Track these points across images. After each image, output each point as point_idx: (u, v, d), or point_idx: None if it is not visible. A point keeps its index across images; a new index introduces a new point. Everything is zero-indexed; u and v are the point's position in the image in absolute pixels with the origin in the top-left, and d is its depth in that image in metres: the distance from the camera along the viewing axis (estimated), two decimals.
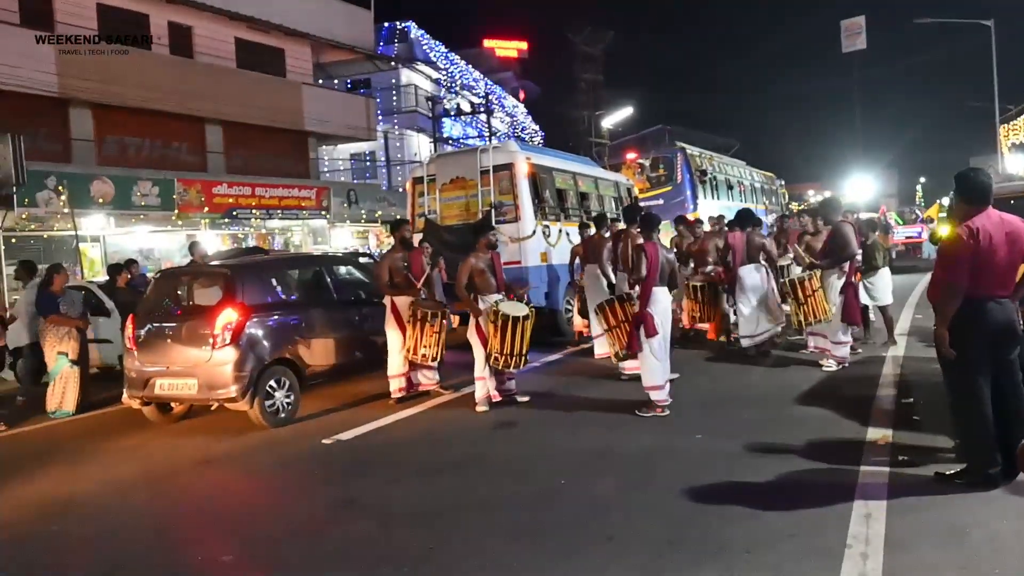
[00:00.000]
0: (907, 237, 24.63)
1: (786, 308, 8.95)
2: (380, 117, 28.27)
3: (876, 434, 5.50)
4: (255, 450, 6.40)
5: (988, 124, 27.45)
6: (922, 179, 65.96)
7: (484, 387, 7.09)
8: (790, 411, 6.45)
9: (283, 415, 7.14)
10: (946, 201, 32.90)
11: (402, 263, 7.69)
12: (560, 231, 11.52)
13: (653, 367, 6.49)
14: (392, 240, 8.16)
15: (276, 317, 7.30)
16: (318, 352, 7.59)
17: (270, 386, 7.07)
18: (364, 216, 23.31)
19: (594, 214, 13.18)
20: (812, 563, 3.55)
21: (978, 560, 3.48)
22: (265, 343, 7.08)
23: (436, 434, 6.49)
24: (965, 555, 3.54)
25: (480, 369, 7.07)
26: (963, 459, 4.49)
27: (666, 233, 10.78)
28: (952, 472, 4.47)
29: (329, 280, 8.21)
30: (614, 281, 8.82)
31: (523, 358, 7.00)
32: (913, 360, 8.18)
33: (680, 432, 5.96)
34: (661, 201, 18.45)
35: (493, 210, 10.90)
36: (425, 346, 7.47)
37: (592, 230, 9.94)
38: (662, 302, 6.56)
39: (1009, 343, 4.32)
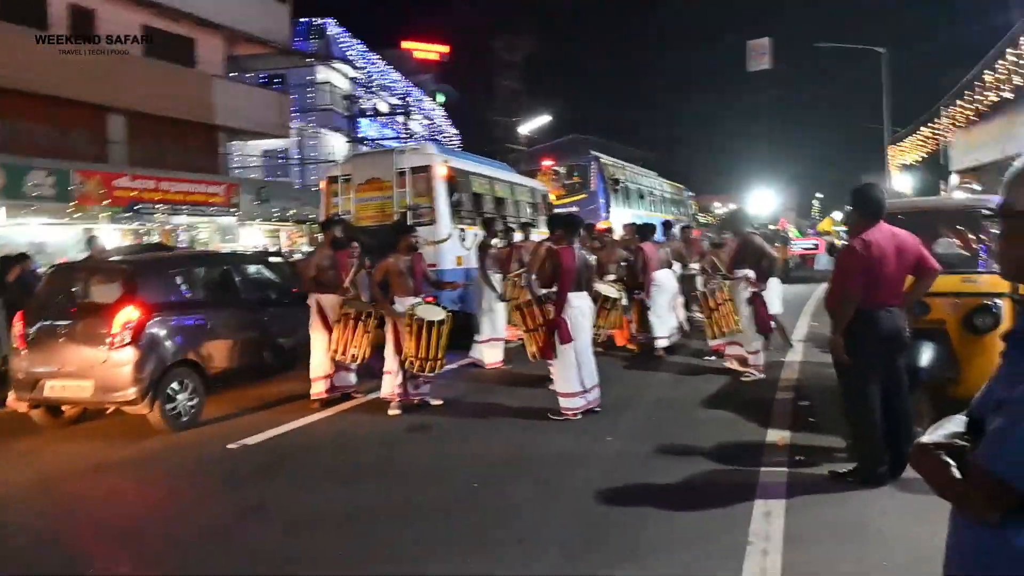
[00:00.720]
0: (804, 249, 25.84)
1: (697, 316, 9.27)
2: (295, 114, 27.59)
3: (775, 435, 5.72)
4: (155, 455, 6.12)
5: (878, 145, 29.19)
6: (818, 194, 69.60)
7: (390, 383, 7.01)
8: (696, 414, 6.64)
9: (185, 419, 6.85)
10: (839, 215, 34.75)
11: (328, 262, 7.50)
12: (475, 235, 11.52)
13: (567, 374, 6.53)
14: (319, 239, 7.99)
15: (179, 316, 7.02)
16: (224, 354, 7.32)
17: (172, 388, 6.77)
18: (276, 214, 22.69)
19: (505, 219, 13.34)
20: (717, 561, 3.66)
21: (871, 552, 3.68)
22: (167, 343, 6.78)
23: (347, 438, 6.36)
24: (859, 548, 3.73)
25: (389, 362, 7.02)
26: (854, 458, 4.73)
27: None
28: (845, 471, 4.71)
29: (237, 279, 7.93)
30: (499, 291, 9.03)
31: (439, 362, 6.92)
32: (810, 365, 8.57)
33: (592, 435, 6.04)
34: (575, 208, 18.62)
35: (409, 212, 10.80)
36: (355, 346, 7.27)
37: (511, 237, 10.04)
38: (578, 306, 6.61)
39: (898, 349, 4.59)
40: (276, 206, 22.33)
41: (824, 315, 4.94)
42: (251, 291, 8.06)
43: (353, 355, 7.27)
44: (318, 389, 7.46)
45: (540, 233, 12.70)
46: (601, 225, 16.74)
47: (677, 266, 10.59)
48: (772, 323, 10.59)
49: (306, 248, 19.83)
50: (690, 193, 29.75)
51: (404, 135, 32.31)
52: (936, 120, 26.39)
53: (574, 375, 6.50)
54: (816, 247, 25.35)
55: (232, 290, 7.83)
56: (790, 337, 9.79)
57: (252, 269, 8.53)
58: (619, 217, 18.50)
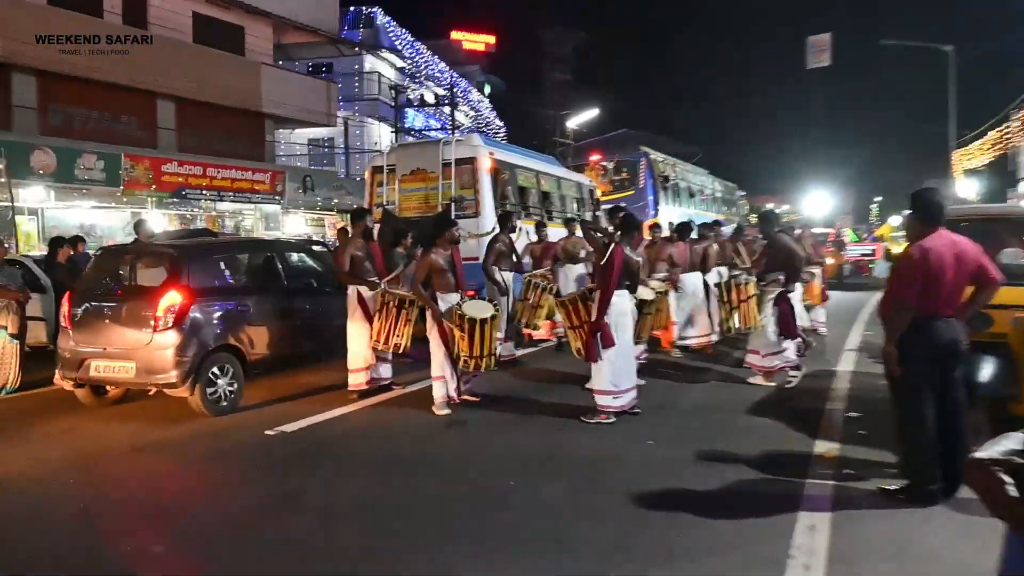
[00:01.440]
0: (860, 255, 25.22)
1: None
2: (341, 103, 27.93)
3: (823, 447, 5.62)
4: (193, 439, 6.26)
5: (943, 148, 28.35)
6: (877, 198, 67.95)
7: (443, 387, 6.92)
8: (740, 421, 6.55)
9: (225, 404, 7.00)
10: (897, 220, 33.84)
11: (363, 252, 7.53)
12: (520, 229, 11.54)
13: (604, 371, 6.50)
14: (351, 229, 8.02)
15: (222, 302, 7.16)
16: (265, 340, 7.46)
17: (213, 373, 6.92)
18: (320, 203, 23.03)
19: (554, 214, 13.35)
20: (756, 572, 3.61)
21: (918, 573, 3.58)
22: (209, 328, 6.94)
23: (384, 430, 6.42)
24: (905, 569, 3.64)
25: (438, 368, 6.91)
26: (906, 475, 4.61)
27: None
28: (895, 487, 4.59)
29: (280, 267, 8.08)
30: (504, 285, 9.04)
31: (492, 358, 6.84)
32: (862, 375, 8.38)
33: (630, 438, 6.00)
34: (623, 205, 18.61)
35: (453, 204, 10.87)
36: (398, 335, 7.18)
37: (566, 230, 10.07)
38: (619, 306, 6.55)
39: (954, 361, 4.46)
40: (320, 195, 22.66)
41: (878, 324, 4.82)
42: (293, 279, 8.20)
43: (396, 344, 7.20)
44: (357, 380, 7.48)
45: (579, 229, 12.68)
46: (648, 223, 16.67)
47: (722, 270, 10.45)
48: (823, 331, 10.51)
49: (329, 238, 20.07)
50: (742, 193, 29.35)
51: (450, 126, 32.46)
52: (1005, 124, 25.52)
53: (609, 373, 6.46)
54: (873, 253, 24.71)
55: (275, 277, 7.97)
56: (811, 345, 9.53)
57: (295, 257, 8.68)
58: (667, 215, 18.35)
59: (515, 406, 7.14)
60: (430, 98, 36.79)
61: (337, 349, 7.78)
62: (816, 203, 48.36)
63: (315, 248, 11.18)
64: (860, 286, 20.30)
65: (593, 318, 6.50)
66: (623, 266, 6.48)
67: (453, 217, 10.58)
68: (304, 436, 6.28)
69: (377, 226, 10.99)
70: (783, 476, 5.01)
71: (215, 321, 7.01)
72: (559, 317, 9.86)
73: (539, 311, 9.17)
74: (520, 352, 9.85)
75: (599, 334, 6.40)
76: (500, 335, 9.14)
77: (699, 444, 5.75)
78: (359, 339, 7.44)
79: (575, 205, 14.77)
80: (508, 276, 9.28)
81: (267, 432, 6.30)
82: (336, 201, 23.22)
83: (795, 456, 5.43)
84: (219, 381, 6.98)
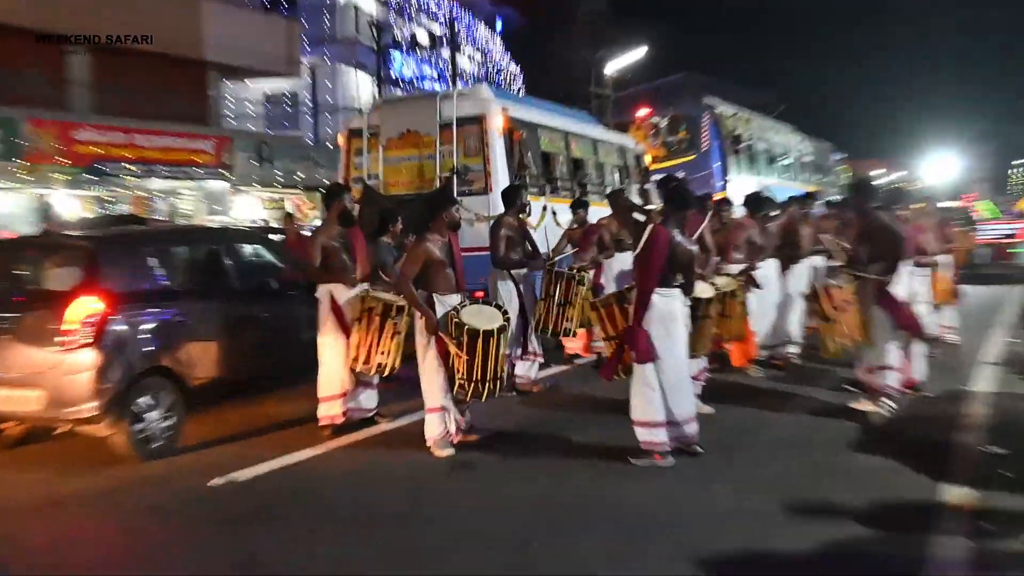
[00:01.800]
0: (1000, 235, 24.94)
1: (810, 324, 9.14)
2: (306, 47, 28.03)
3: (953, 494, 5.56)
4: (120, 490, 6.28)
5: None
6: (1019, 161, 67.18)
7: (441, 423, 6.88)
8: (840, 459, 6.51)
9: (159, 444, 7.02)
10: None
11: (339, 242, 7.52)
12: (546, 209, 11.54)
13: (644, 396, 6.44)
14: (323, 212, 8.04)
15: (155, 310, 7.18)
16: (210, 360, 7.49)
17: (143, 404, 6.95)
18: (280, 178, 23.13)
19: (589, 187, 13.32)
20: None
21: None
22: (137, 345, 6.95)
23: (368, 477, 6.43)
24: None
25: (435, 395, 6.85)
26: None
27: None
28: None
29: (229, 263, 8.11)
30: (514, 282, 8.86)
31: (499, 382, 6.80)
32: (1005, 398, 8.31)
33: (692, 483, 5.97)
34: (681, 173, 18.53)
35: (455, 177, 10.88)
36: (383, 352, 7.15)
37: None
38: (664, 308, 6.47)
39: None
40: (280, 167, 22.77)
41: None
42: (247, 278, 8.23)
43: (380, 364, 7.16)
44: (330, 411, 7.48)
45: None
46: (716, 197, 16.60)
47: (816, 261, 10.36)
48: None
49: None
50: (840, 155, 29.15)
51: (450, 75, 32.47)
52: None
53: (655, 399, 6.40)
54: (1015, 234, 24.47)
55: (222, 277, 8.00)
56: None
57: (248, 250, 8.70)
58: (741, 186, 18.27)
59: (538, 444, 7.13)
60: (424, 38, 36.86)
61: (305, 370, 7.79)
62: (938, 168, 48.01)
63: (274, 238, 11.22)
64: (999, 277, 20.07)
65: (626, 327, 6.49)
66: (669, 255, 6.40)
67: (455, 194, 10.61)
68: (262, 485, 6.28)
69: (357, 208, 11.02)
70: (899, 533, 4.96)
71: (145, 336, 7.02)
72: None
73: (569, 310, 8.98)
74: (543, 374, 9.78)
75: (630, 344, 6.38)
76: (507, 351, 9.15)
77: (785, 491, 5.70)
78: (332, 357, 7.44)
79: (617, 175, 14.73)
80: (518, 273, 9.04)
81: (214, 482, 6.31)
82: (301, 175, 23.30)
83: (915, 506, 5.38)
84: (150, 415, 7.00)
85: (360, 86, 32.29)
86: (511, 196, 9.10)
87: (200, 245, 8.34)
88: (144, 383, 6.96)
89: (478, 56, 44.30)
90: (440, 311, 6.83)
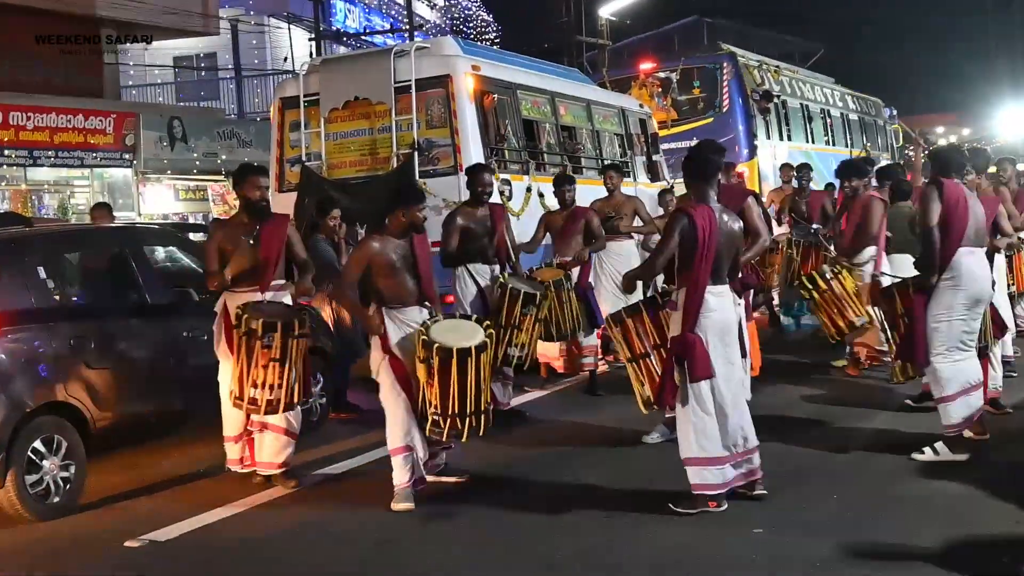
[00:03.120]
0: None
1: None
2: None
3: None
4: (9, 558, 6.24)
5: None
6: None
7: (404, 467, 6.73)
8: (906, 489, 6.53)
9: (57, 500, 6.97)
10: None
11: (248, 240, 7.32)
12: (530, 191, 11.55)
13: (700, 427, 6.31)
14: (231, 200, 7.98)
15: (44, 333, 7.14)
16: (117, 392, 7.44)
17: (35, 450, 6.88)
18: (198, 162, 23.02)
19: (584, 160, 13.34)
20: None
21: None
22: (25, 377, 6.90)
23: (314, 534, 6.40)
24: None
25: (398, 433, 6.72)
26: None
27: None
28: None
29: (138, 270, 8.07)
30: (485, 282, 8.78)
31: (484, 416, 6.67)
32: None
33: (728, 524, 5.98)
34: (696, 141, 18.59)
35: (417, 154, 10.87)
36: (257, 383, 6.90)
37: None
38: (718, 311, 6.45)
39: None
40: (198, 148, 22.65)
41: None
42: (160, 289, 8.18)
43: (253, 398, 6.93)
44: (232, 455, 7.42)
45: (628, 185, 12.64)
46: (741, 167, 16.64)
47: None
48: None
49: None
50: (891, 112, 29.30)
51: (406, 26, 32.45)
52: None
53: (711, 428, 6.29)
54: None
55: (129, 288, 7.95)
56: None
57: (161, 253, 8.67)
58: (771, 154, 18.34)
59: (528, 487, 7.11)
60: None
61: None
62: (1014, 122, 48.07)
63: (195, 237, 11.18)
64: None
65: (672, 333, 6.37)
66: (719, 242, 6.36)
67: (418, 175, 10.62)
68: (188, 547, 6.24)
69: (293, 195, 10.99)
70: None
71: (34, 365, 6.99)
72: (589, 341, 9.87)
73: (518, 335, 8.63)
74: (517, 400, 9.68)
75: (683, 360, 6.27)
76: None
77: (841, 531, 5.72)
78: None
79: (618, 145, 14.75)
80: (484, 271, 8.93)
81: (128, 544, 6.26)
82: (224, 157, 23.19)
83: (1001, 542, 5.41)
84: (45, 463, 6.92)
85: (294, 44, 32.17)
86: (469, 179, 9.05)
87: (100, 249, 8.31)
88: (36, 423, 6.90)
89: (441, 2, 44.28)
90: (392, 328, 6.76)
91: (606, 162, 13.76)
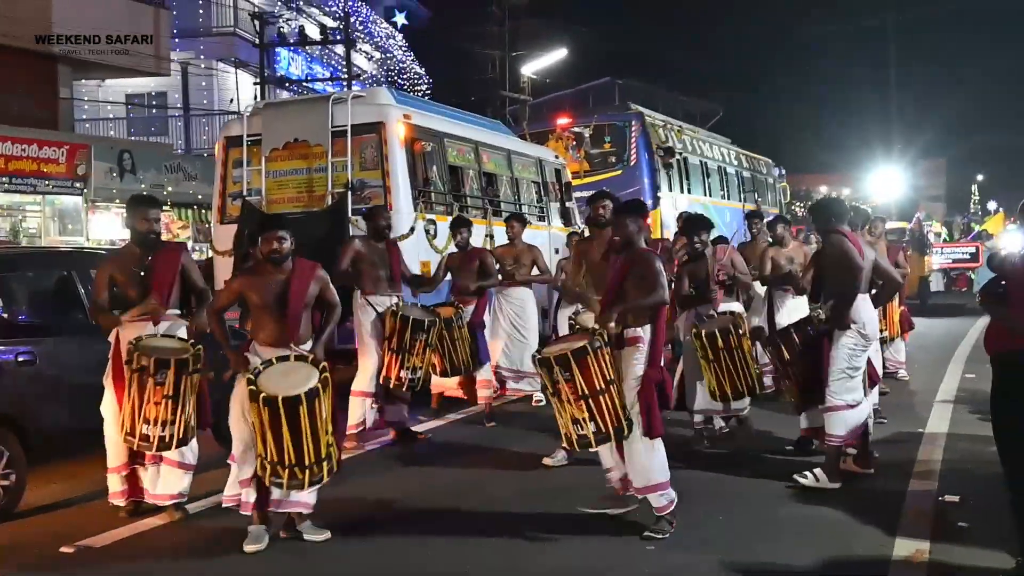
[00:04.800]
0: (955, 260, 25.77)
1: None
2: (176, 40, 27.64)
3: (907, 548, 5.70)
4: None
5: None
6: (980, 176, 69.67)
7: (235, 480, 6.25)
8: (788, 511, 6.65)
9: None
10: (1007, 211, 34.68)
11: (136, 268, 6.81)
12: (428, 232, 11.53)
13: (663, 452, 6.30)
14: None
15: None
16: (60, 407, 7.36)
17: None
18: (145, 192, 22.72)
19: (503, 205, 13.42)
20: None
21: None
22: None
23: (240, 538, 6.31)
24: None
25: (237, 448, 6.20)
26: None
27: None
28: None
29: (84, 292, 7.93)
30: (379, 311, 8.69)
31: (323, 464, 5.98)
32: (962, 440, 8.56)
33: (623, 541, 6.02)
34: (605, 190, 18.77)
35: (350, 193, 10.85)
36: (149, 420, 6.40)
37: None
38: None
39: None
40: (146, 180, 22.36)
41: (983, 362, 4.96)
42: None
43: (144, 435, 6.44)
44: (113, 487, 6.87)
45: (543, 229, 12.70)
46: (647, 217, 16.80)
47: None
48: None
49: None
50: (780, 171, 29.89)
51: (344, 75, 32.37)
52: None
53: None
54: (974, 257, 25.33)
55: (75, 309, 7.85)
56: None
57: None
58: (672, 204, 18.58)
59: (439, 510, 7.08)
60: (314, 32, 36.69)
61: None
62: (885, 184, 49.10)
63: None
64: (953, 309, 20.71)
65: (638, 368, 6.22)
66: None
67: (351, 213, 10.59)
68: (119, 555, 6.16)
69: (234, 226, 10.89)
70: None
71: None
72: (483, 375, 9.77)
73: (410, 359, 8.61)
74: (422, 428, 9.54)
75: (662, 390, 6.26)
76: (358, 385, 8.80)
77: (727, 549, 5.80)
78: (112, 418, 6.81)
79: (535, 191, 14.85)
80: (382, 301, 8.80)
81: (64, 549, 6.16)
82: (171, 189, 22.92)
83: (867, 562, 5.52)
84: None
85: (240, 87, 31.96)
86: (368, 217, 9.12)
87: (48, 271, 8.20)
88: None
89: (377, 55, 44.28)
90: (256, 363, 6.15)
91: (523, 207, 13.87)
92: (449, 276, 9.98)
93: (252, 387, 5.81)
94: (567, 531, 6.28)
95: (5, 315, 7.33)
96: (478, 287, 9.86)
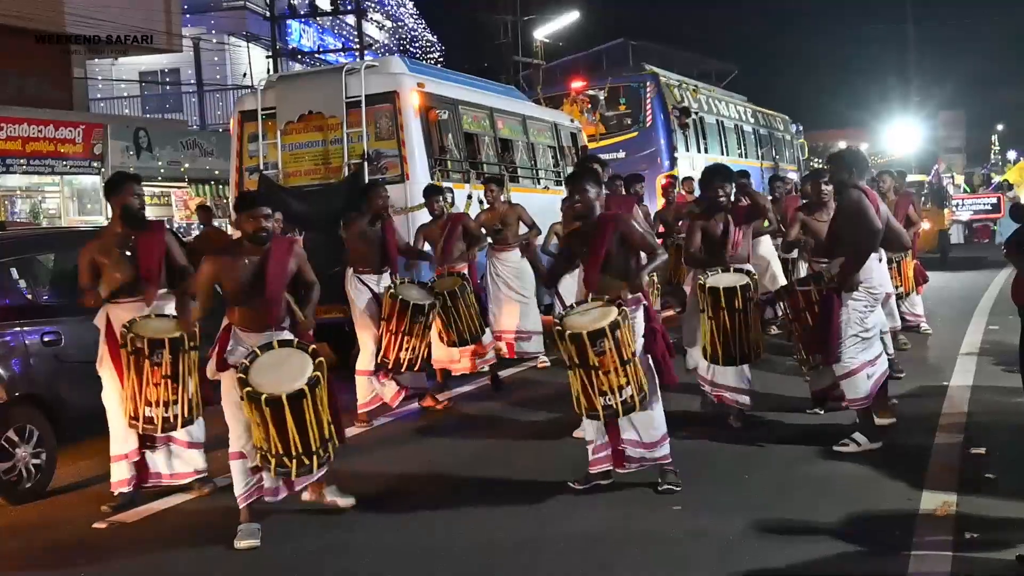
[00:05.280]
0: (976, 212, 25.49)
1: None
2: (187, 15, 27.61)
3: (933, 501, 5.71)
4: None
5: None
6: (999, 126, 68.97)
7: (241, 475, 5.93)
8: (811, 469, 6.64)
9: (29, 484, 6.92)
10: None
11: (121, 250, 6.64)
12: (471, 197, 11.54)
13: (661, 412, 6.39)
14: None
15: (17, 330, 7.08)
16: (87, 384, 7.25)
17: (7, 440, 6.82)
18: (162, 170, 22.75)
19: (520, 171, 13.39)
20: None
21: None
22: (2, 371, 6.86)
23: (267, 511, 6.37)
24: None
25: (234, 440, 5.97)
26: None
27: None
28: None
29: None
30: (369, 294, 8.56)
31: (317, 456, 5.71)
32: (987, 392, 8.51)
33: (648, 504, 6.05)
34: (622, 153, 18.70)
35: (366, 164, 10.84)
36: (151, 402, 6.31)
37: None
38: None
39: None
40: (162, 157, 22.38)
41: (1006, 314, 4.93)
42: None
43: (148, 417, 6.35)
44: (117, 476, 6.67)
45: (559, 193, 12.55)
46: (664, 177, 16.76)
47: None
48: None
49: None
50: (798, 127, 29.69)
51: (356, 45, 32.28)
52: None
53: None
54: (996, 208, 25.06)
55: None
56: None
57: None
58: (690, 165, 18.48)
59: (464, 478, 7.11)
60: (324, 3, 36.60)
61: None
62: (903, 136, 48.63)
63: None
64: (974, 262, 20.51)
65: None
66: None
67: (368, 183, 10.58)
68: (152, 529, 6.23)
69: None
70: (877, 547, 5.08)
71: (7, 360, 6.93)
72: (487, 339, 9.49)
73: (408, 340, 8.44)
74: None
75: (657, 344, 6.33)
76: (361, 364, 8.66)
77: (753, 508, 5.81)
78: (115, 405, 6.70)
79: (551, 156, 14.82)
80: (372, 279, 8.70)
81: (96, 525, 6.24)
82: (187, 166, 22.94)
83: (894, 517, 5.51)
84: (18, 451, 6.87)
85: (253, 61, 31.91)
86: (366, 195, 8.89)
87: (71, 252, 8.19)
88: (11, 414, 6.84)
89: (389, 24, 44.12)
90: (241, 354, 5.86)
91: (540, 172, 13.86)
92: (428, 247, 9.59)
93: (248, 388, 5.49)
94: (594, 497, 6.30)
95: (29, 296, 7.37)
96: (469, 253, 9.58)
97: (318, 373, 5.63)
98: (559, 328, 6.07)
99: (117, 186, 6.81)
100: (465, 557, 5.46)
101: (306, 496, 6.16)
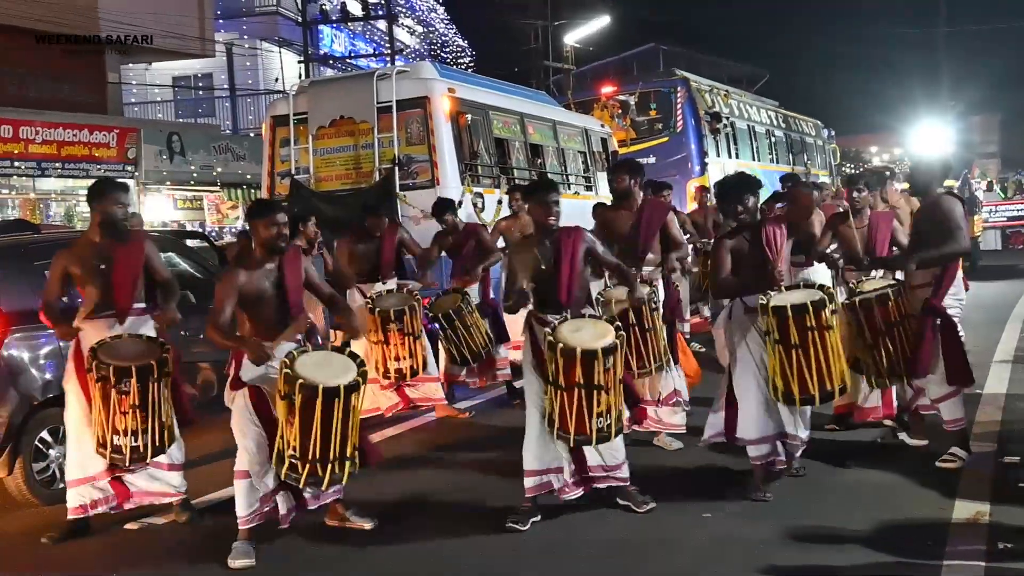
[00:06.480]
0: (1010, 218, 25.19)
1: None
2: (220, 21, 27.81)
3: (966, 511, 5.66)
4: (18, 541, 6.24)
5: None
6: None
7: (247, 495, 5.68)
8: (842, 477, 6.61)
9: (62, 485, 6.86)
10: None
11: (97, 262, 6.20)
12: (500, 203, 11.56)
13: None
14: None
15: (50, 332, 7.03)
16: None
17: (42, 440, 6.89)
18: (195, 174, 22.94)
19: (551, 175, 13.38)
20: None
21: None
22: (34, 372, 6.91)
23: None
24: None
25: (242, 458, 5.71)
26: None
27: None
28: None
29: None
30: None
31: (347, 463, 5.46)
32: (1020, 400, 8.44)
33: (677, 510, 6.04)
34: (652, 158, 18.63)
35: (397, 169, 10.88)
36: (119, 430, 5.89)
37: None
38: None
39: None
40: (195, 161, 22.57)
41: None
42: None
43: (117, 446, 5.92)
44: (76, 501, 6.17)
45: (590, 198, 12.50)
46: (695, 183, 16.69)
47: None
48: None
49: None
50: (830, 132, 29.51)
51: (387, 51, 32.39)
52: None
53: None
54: None
55: None
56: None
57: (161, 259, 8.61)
58: (721, 171, 18.41)
59: (488, 485, 7.05)
60: (356, 9, 36.74)
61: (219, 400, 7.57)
62: (935, 142, 48.15)
63: (190, 243, 11.12)
64: (1007, 271, 20.24)
65: None
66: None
67: (398, 188, 10.64)
68: (184, 530, 6.24)
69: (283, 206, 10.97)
70: (908, 557, 5.05)
71: (43, 361, 6.98)
72: (502, 354, 9.16)
73: (390, 348, 8.45)
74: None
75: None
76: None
77: (783, 515, 5.78)
78: (78, 426, 6.21)
79: (581, 161, 14.81)
80: (372, 288, 8.73)
81: (128, 527, 6.28)
82: (220, 170, 23.14)
83: (926, 526, 5.48)
84: (51, 452, 6.93)
85: (285, 66, 32.09)
86: (378, 198, 9.17)
87: None
88: (44, 415, 6.89)
89: (419, 30, 44.25)
90: (250, 364, 5.64)
91: (570, 178, 13.85)
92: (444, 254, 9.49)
93: (288, 371, 5.25)
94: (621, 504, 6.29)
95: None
96: (473, 273, 9.14)
97: (359, 380, 5.43)
98: (563, 346, 5.62)
99: (101, 193, 6.32)
100: (492, 560, 5.49)
101: (328, 521, 6.02)
